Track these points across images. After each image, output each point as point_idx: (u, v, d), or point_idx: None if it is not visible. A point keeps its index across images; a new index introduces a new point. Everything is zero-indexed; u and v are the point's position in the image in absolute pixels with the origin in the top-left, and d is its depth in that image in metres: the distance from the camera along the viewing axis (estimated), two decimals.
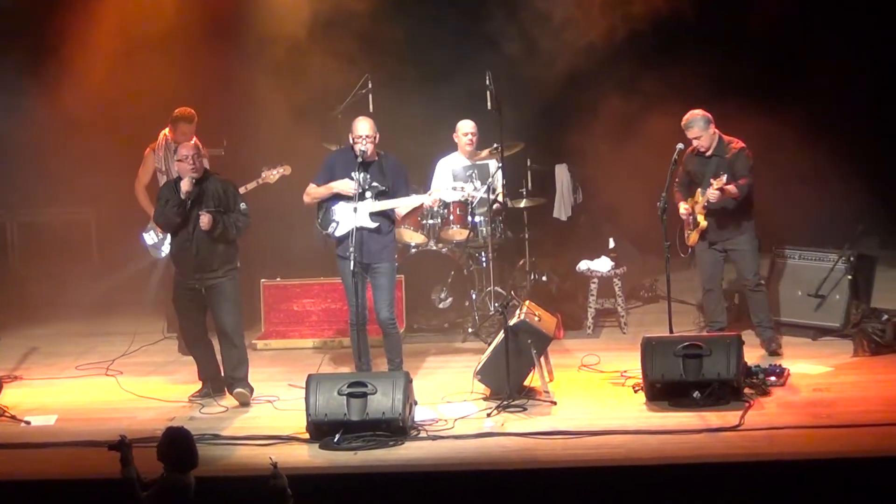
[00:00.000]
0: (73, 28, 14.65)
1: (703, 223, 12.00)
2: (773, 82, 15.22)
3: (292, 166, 12.83)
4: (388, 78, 14.25)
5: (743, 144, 12.05)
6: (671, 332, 11.79)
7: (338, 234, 11.61)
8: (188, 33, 14.36)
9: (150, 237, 13.11)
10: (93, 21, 14.63)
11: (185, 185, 11.38)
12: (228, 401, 11.60)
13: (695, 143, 12.04)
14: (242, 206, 11.53)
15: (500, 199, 13.53)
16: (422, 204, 11.99)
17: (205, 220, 11.34)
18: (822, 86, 14.97)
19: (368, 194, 11.53)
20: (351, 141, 11.58)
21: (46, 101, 14.69)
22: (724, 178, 11.74)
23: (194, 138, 12.86)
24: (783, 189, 14.49)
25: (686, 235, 12.24)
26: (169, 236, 12.76)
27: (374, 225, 11.53)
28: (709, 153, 12.06)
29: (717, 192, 11.78)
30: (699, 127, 12.02)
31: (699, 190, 12.05)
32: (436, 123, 14.37)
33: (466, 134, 13.61)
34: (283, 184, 12.93)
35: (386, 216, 11.67)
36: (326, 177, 11.70)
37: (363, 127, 11.53)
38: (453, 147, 13.77)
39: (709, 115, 12.04)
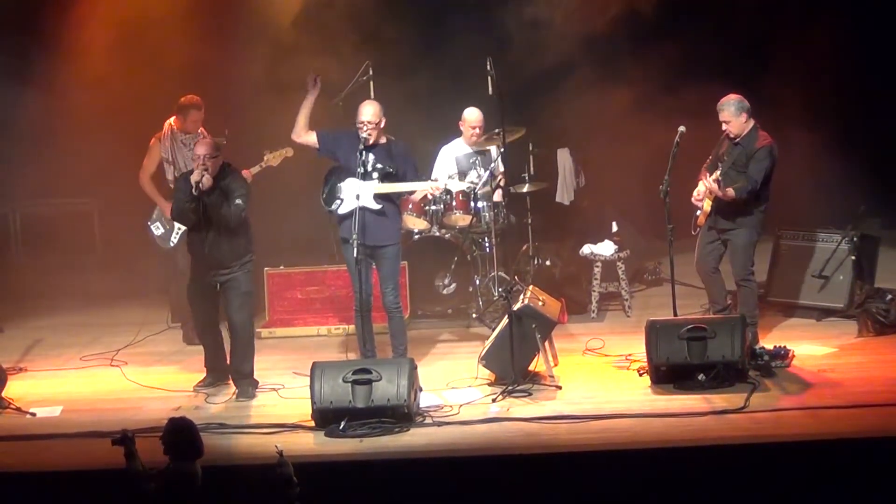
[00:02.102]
0: (73, 16, 14.62)
1: (707, 207, 11.94)
2: (772, 63, 15.19)
3: (296, 154, 12.83)
4: (388, 64, 14.22)
5: (770, 142, 11.81)
6: (675, 314, 11.80)
7: (341, 211, 11.56)
8: (188, 20, 14.33)
9: (156, 228, 13.11)
10: (92, 9, 14.60)
11: (195, 176, 11.28)
12: (233, 389, 11.61)
13: (724, 126, 11.93)
14: (238, 201, 11.36)
15: (500, 183, 13.52)
16: (426, 192, 12.00)
17: (207, 179, 11.23)
18: (821, 65, 14.95)
19: (375, 175, 11.51)
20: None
21: (47, 92, 14.67)
22: (717, 173, 11.64)
23: (202, 129, 12.89)
24: (785, 171, 14.43)
25: (696, 214, 12.18)
26: (176, 227, 12.79)
27: (377, 207, 11.49)
28: (737, 140, 11.95)
29: (715, 185, 11.69)
30: (729, 112, 11.81)
31: (716, 173, 11.96)
32: (438, 109, 14.35)
33: (474, 127, 13.57)
34: (288, 170, 12.93)
35: (390, 200, 11.65)
36: (330, 139, 11.66)
37: (366, 112, 11.51)
38: (456, 133, 13.74)
39: (745, 103, 11.80)
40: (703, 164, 12.11)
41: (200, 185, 11.23)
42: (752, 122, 11.88)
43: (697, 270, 12.23)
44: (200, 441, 8.85)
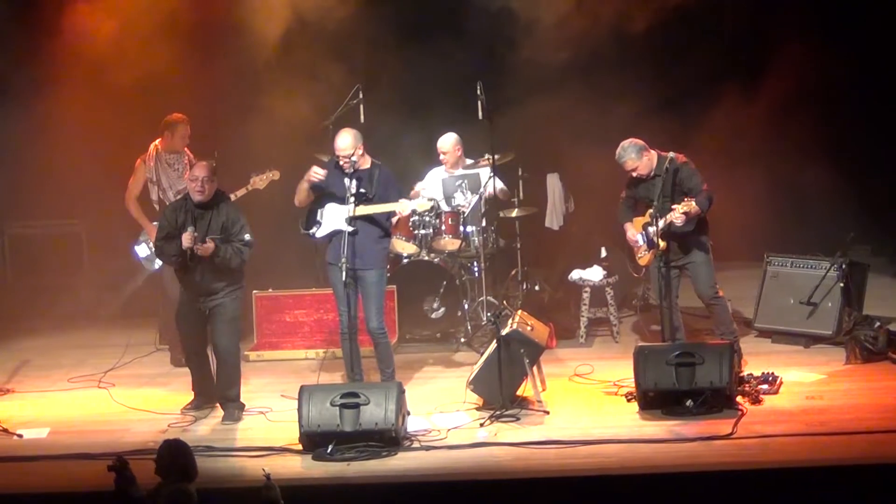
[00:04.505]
0: (60, 38, 14.60)
1: (663, 244, 11.85)
2: (762, 87, 15.23)
3: (284, 178, 12.82)
4: (378, 88, 14.24)
5: (682, 157, 11.81)
6: (664, 340, 11.81)
7: (318, 235, 11.61)
8: (177, 43, 14.31)
9: (142, 249, 13.10)
10: (78, 30, 14.58)
11: (185, 241, 11.25)
12: (220, 413, 11.59)
13: (633, 174, 11.91)
14: (247, 237, 11.38)
15: (499, 195, 13.50)
16: (400, 213, 11.88)
17: (205, 247, 11.23)
18: (810, 94, 14.99)
19: (352, 200, 11.50)
20: None
21: (34, 113, 14.64)
22: (692, 202, 11.58)
23: (186, 149, 12.91)
24: (774, 198, 14.52)
25: (637, 257, 12.17)
26: None
27: (350, 229, 11.45)
28: (650, 175, 11.89)
29: (683, 215, 11.60)
30: (632, 158, 11.79)
31: (649, 212, 11.92)
32: (427, 132, 14.35)
33: (442, 153, 13.62)
34: (274, 193, 12.91)
35: (377, 224, 11.63)
36: (320, 183, 11.68)
37: (342, 143, 11.50)
38: None
39: (639, 143, 11.80)
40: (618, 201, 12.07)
41: (196, 251, 11.22)
42: (653, 154, 11.86)
43: (666, 305, 12.02)
44: (195, 463, 8.85)
